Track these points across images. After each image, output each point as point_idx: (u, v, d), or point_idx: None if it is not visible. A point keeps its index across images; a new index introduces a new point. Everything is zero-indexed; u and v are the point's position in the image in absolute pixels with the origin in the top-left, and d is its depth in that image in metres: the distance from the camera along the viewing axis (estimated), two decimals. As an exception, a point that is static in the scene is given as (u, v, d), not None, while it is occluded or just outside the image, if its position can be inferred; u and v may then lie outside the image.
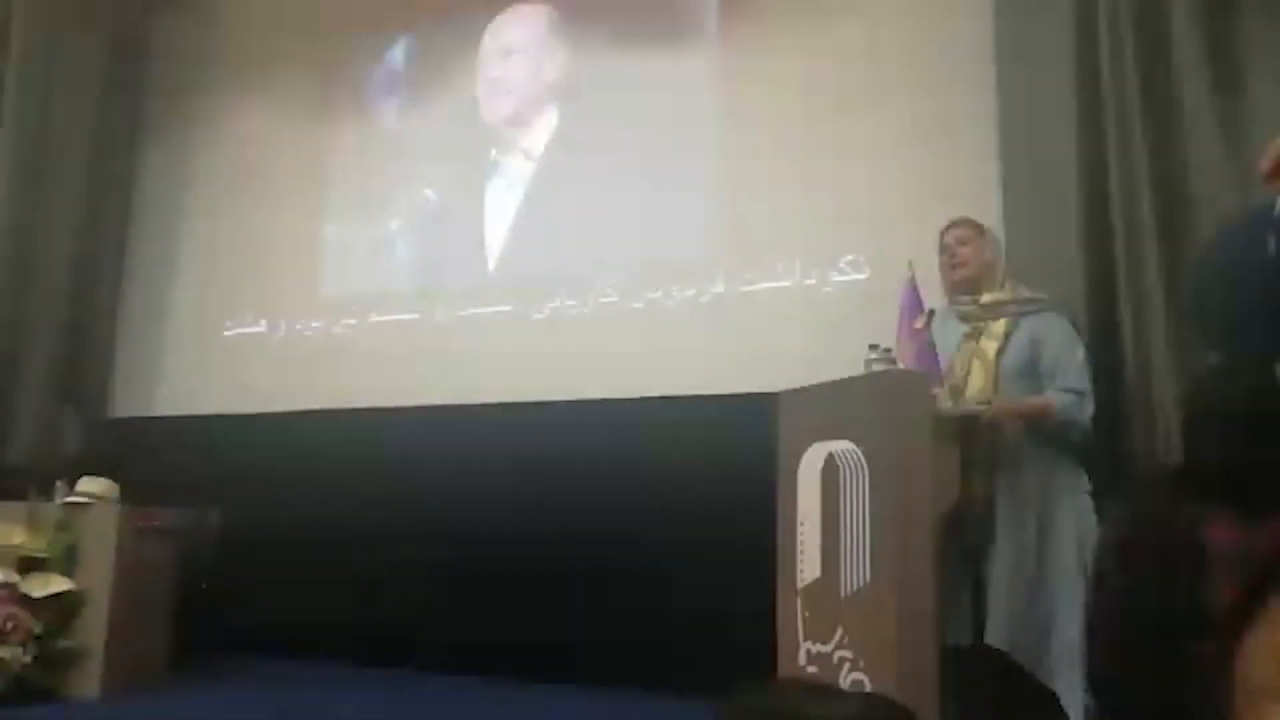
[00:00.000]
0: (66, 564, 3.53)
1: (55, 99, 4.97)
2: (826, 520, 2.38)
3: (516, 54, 4.58)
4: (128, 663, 3.57)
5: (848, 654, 2.25)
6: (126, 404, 5.13)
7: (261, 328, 4.89)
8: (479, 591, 3.95)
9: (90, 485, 3.74)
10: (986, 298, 2.71)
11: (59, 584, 3.45)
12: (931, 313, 2.62)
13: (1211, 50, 2.92)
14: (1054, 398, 2.53)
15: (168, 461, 4.48)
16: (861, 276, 3.65)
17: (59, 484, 3.76)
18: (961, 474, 2.42)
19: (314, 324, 4.76)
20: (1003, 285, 2.74)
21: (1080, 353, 2.61)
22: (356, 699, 3.57)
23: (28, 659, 3.34)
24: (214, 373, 4.92)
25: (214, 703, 3.47)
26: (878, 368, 2.43)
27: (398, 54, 4.89)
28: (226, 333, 4.96)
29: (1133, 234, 2.95)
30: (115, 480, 3.81)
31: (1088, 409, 2.53)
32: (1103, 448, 2.73)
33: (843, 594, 2.29)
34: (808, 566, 2.42)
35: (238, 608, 4.14)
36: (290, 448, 4.49)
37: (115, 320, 5.21)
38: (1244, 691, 0.53)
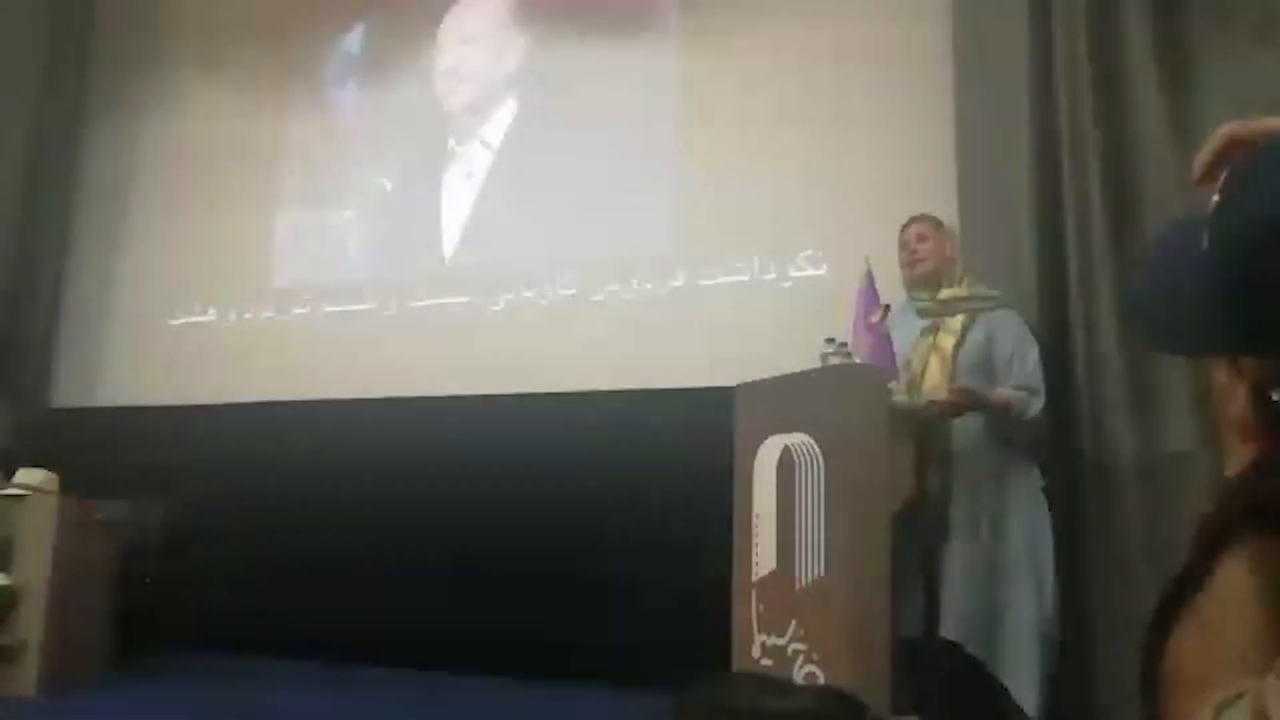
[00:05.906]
0: (2, 558, 3.41)
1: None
2: (782, 513, 2.38)
3: (476, 42, 4.52)
4: (66, 660, 3.46)
5: (802, 647, 2.26)
6: (68, 394, 4.97)
7: (210, 317, 4.77)
8: (429, 586, 3.90)
9: (28, 477, 3.63)
10: (944, 293, 2.74)
11: (-7, 579, 3.34)
12: (887, 308, 2.63)
13: (1161, 53, 2.99)
14: (1010, 393, 2.56)
15: (110, 453, 4.35)
16: (820, 271, 3.67)
17: (-5, 476, 3.63)
18: (917, 472, 2.44)
19: (265, 314, 4.66)
20: (960, 281, 2.77)
21: (1034, 351, 2.64)
22: (299, 694, 3.49)
23: (-41, 656, 3.23)
24: (159, 362, 4.79)
25: (154, 700, 3.38)
26: (834, 361, 2.44)
27: (355, 40, 4.80)
28: (173, 321, 4.83)
29: (1084, 233, 3.00)
30: (55, 472, 3.70)
31: (1036, 405, 2.56)
32: (1054, 445, 2.77)
33: (798, 587, 2.30)
34: (763, 560, 2.42)
35: (181, 603, 4.04)
36: (236, 439, 4.38)
37: (56, 307, 5.05)
38: (1175, 683, 0.51)
